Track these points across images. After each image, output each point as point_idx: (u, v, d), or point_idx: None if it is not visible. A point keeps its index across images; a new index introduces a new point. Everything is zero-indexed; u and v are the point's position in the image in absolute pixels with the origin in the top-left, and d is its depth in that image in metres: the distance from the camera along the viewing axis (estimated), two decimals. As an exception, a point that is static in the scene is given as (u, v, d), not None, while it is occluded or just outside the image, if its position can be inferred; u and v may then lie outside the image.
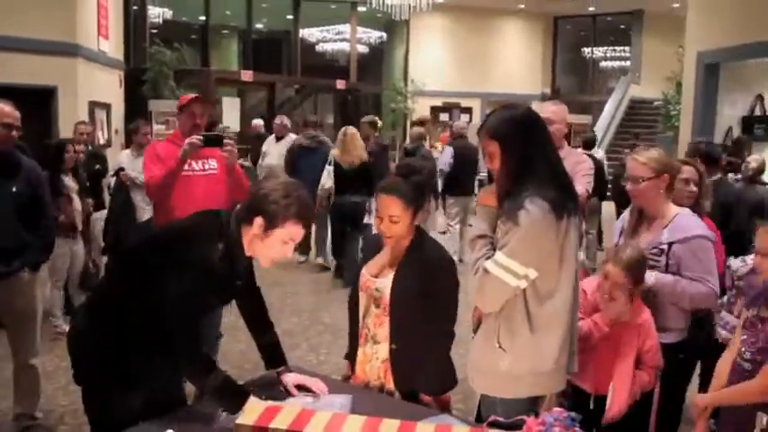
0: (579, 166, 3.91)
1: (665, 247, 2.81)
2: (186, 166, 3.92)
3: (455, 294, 2.61)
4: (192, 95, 4.19)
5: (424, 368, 2.54)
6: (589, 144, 9.41)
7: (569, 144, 4.31)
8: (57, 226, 5.43)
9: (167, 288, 2.23)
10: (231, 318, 4.16)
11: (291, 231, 2.30)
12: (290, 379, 2.54)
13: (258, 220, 2.27)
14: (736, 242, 3.62)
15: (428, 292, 2.53)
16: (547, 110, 3.97)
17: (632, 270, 2.64)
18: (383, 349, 2.61)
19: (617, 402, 2.63)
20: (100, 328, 2.41)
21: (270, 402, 2.19)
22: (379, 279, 2.62)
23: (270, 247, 2.32)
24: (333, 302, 6.51)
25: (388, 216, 2.54)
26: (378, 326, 2.63)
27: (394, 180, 2.67)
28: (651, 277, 2.79)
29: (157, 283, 2.25)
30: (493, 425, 2.11)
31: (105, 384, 2.41)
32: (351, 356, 2.79)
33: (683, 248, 2.79)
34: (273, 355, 2.66)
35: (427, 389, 2.56)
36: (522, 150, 2.22)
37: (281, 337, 2.72)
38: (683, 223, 2.84)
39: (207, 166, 4.03)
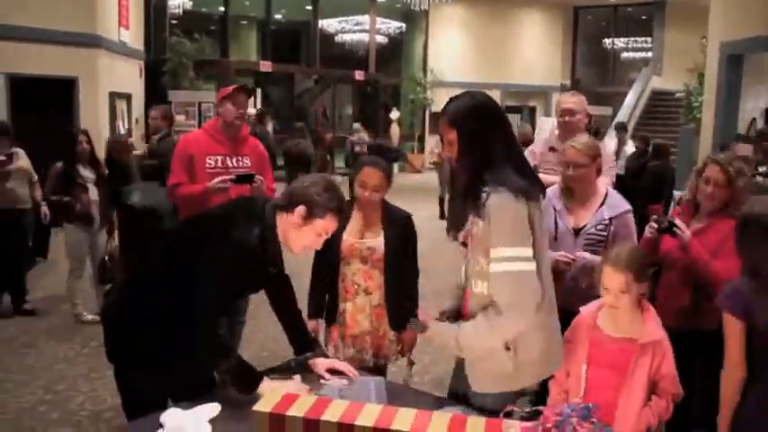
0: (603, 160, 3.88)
1: (608, 221, 3.11)
2: (214, 162, 3.87)
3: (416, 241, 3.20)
4: (235, 85, 4.05)
5: (408, 305, 2.72)
6: (596, 135, 9.31)
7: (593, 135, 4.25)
8: (72, 215, 5.51)
9: (202, 267, 2.30)
10: (250, 306, 4.21)
11: (328, 224, 2.40)
12: (321, 364, 2.60)
13: (300, 210, 2.35)
14: None
15: (407, 243, 3.13)
16: (567, 100, 3.98)
17: (634, 268, 2.40)
18: (375, 298, 3.07)
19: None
20: (135, 308, 2.46)
21: (283, 388, 2.21)
22: (367, 240, 3.05)
23: (305, 237, 2.41)
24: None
25: (372, 186, 2.97)
26: (368, 279, 3.07)
27: (376, 157, 3.08)
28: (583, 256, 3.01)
29: (193, 261, 2.31)
30: (508, 415, 2.11)
31: (137, 363, 2.46)
32: (322, 313, 3.18)
33: (619, 223, 3.11)
34: (303, 341, 2.71)
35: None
36: (480, 139, 2.17)
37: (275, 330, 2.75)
38: (617, 200, 3.18)
39: (241, 164, 3.96)
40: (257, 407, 1.98)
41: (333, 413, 1.95)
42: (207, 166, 3.87)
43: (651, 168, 8.50)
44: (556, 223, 3.17)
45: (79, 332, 5.45)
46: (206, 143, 3.92)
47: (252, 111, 11.66)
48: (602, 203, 3.15)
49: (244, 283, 2.53)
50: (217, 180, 3.75)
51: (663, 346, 2.42)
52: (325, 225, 2.39)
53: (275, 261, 2.55)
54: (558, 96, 17.70)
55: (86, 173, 5.60)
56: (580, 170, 3.12)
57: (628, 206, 3.17)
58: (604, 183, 3.36)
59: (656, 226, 3.04)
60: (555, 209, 3.19)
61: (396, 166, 18.60)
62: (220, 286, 2.33)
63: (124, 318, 2.50)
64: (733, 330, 2.30)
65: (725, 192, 2.96)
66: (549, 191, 3.03)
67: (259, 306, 2.77)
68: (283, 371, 2.60)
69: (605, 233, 3.08)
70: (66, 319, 5.74)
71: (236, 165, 3.94)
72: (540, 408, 1.86)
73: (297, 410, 1.95)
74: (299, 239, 2.41)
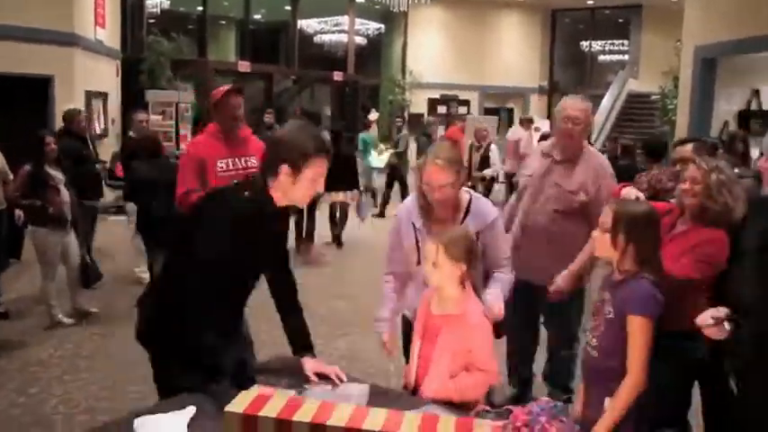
0: (600, 175, 3.69)
1: (474, 236, 2.73)
2: (224, 165, 3.85)
3: None
4: (226, 87, 4.01)
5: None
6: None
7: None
8: (45, 218, 5.44)
9: (205, 248, 2.30)
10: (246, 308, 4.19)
11: (316, 167, 2.37)
12: (311, 365, 2.59)
13: (284, 168, 2.34)
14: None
15: None
16: (574, 107, 3.67)
17: (445, 243, 2.48)
18: None
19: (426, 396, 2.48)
20: (163, 295, 2.51)
21: (259, 390, 2.22)
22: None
23: (302, 189, 2.40)
24: (331, 299, 6.54)
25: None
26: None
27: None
28: (496, 304, 2.74)
29: (198, 245, 2.33)
30: (480, 414, 2.13)
31: (166, 350, 2.48)
32: None
33: (486, 234, 2.88)
34: (300, 339, 2.69)
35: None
36: None
37: (277, 330, 2.76)
38: (482, 208, 2.93)
39: (249, 164, 3.93)
40: (229, 407, 1.99)
41: (305, 413, 1.96)
42: (219, 169, 3.86)
43: (619, 167, 8.63)
44: (417, 243, 2.89)
45: (53, 335, 5.39)
46: (214, 147, 3.90)
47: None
48: (466, 215, 2.90)
49: (246, 246, 2.41)
50: None
51: (469, 322, 2.48)
52: (314, 170, 2.37)
53: (275, 215, 2.51)
54: (536, 98, 17.88)
55: (56, 173, 5.55)
56: (446, 190, 2.80)
57: (494, 213, 2.96)
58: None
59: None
60: (415, 226, 2.93)
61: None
62: (217, 264, 2.30)
63: (153, 305, 2.55)
64: (648, 334, 2.34)
65: (699, 187, 2.82)
66: (406, 205, 2.97)
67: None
68: (271, 368, 2.61)
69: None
70: (40, 321, 5.68)
71: (244, 165, 3.93)
72: (510, 407, 1.89)
73: (269, 411, 1.96)
74: (297, 194, 2.42)
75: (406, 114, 15.44)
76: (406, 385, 2.63)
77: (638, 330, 2.32)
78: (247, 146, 4.03)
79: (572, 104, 3.69)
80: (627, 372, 2.33)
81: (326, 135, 7.89)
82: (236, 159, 3.92)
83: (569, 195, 3.63)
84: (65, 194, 5.54)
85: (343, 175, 8.19)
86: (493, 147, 11.12)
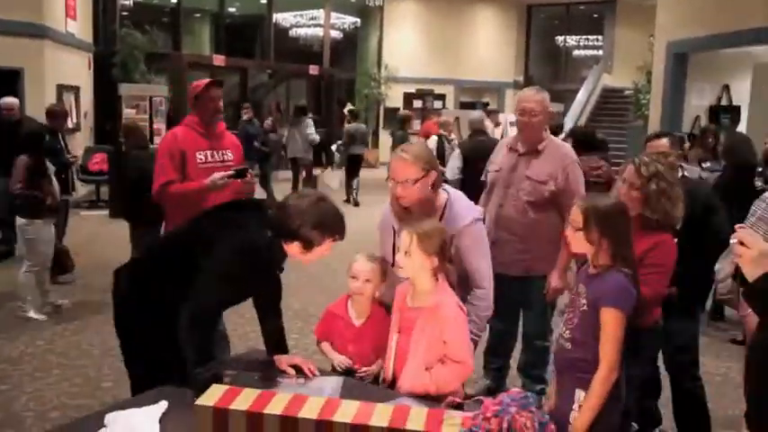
0: (567, 163, 3.75)
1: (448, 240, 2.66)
2: (203, 157, 3.83)
3: None
4: (206, 80, 4.00)
5: None
6: (555, 132, 9.42)
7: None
8: (43, 209, 5.42)
9: (211, 267, 2.36)
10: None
11: (328, 245, 2.48)
12: (285, 359, 2.65)
13: (296, 246, 2.43)
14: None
15: None
16: (528, 99, 3.71)
17: (420, 233, 2.49)
18: None
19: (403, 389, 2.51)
20: (141, 289, 2.54)
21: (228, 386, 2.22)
22: None
23: (311, 257, 2.50)
24: (301, 288, 6.52)
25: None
26: None
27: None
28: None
29: (203, 259, 2.38)
30: (451, 406, 2.15)
31: (143, 343, 2.53)
32: None
33: (462, 239, 2.74)
34: (278, 342, 2.75)
35: None
36: None
37: (250, 324, 2.77)
38: (458, 210, 2.80)
39: (225, 158, 3.93)
40: (200, 401, 1.98)
41: (276, 406, 1.96)
42: (198, 161, 3.82)
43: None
44: (394, 248, 2.77)
45: (24, 331, 5.32)
46: (192, 138, 3.86)
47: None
48: (442, 216, 2.78)
49: (249, 285, 2.57)
50: (219, 175, 3.66)
51: (442, 314, 2.49)
52: (326, 247, 2.48)
53: (280, 266, 2.62)
54: (511, 93, 17.89)
55: (49, 165, 5.58)
56: (408, 186, 2.66)
57: (472, 215, 2.82)
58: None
59: None
60: (394, 229, 2.84)
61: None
62: (224, 290, 2.39)
63: (129, 298, 2.59)
64: (621, 326, 2.36)
65: (637, 193, 2.84)
66: (386, 208, 2.93)
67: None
68: (242, 362, 2.66)
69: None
70: (11, 316, 5.60)
71: (222, 158, 3.92)
72: (480, 397, 1.90)
73: (240, 404, 1.96)
74: (305, 259, 2.50)
75: (346, 109, 15.72)
76: (384, 378, 2.64)
77: (611, 322, 2.35)
78: (223, 140, 4.02)
79: (527, 96, 3.74)
80: (599, 363, 2.36)
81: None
82: (215, 152, 3.91)
83: (539, 186, 3.70)
84: (56, 185, 5.59)
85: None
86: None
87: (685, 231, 3.03)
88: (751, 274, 1.72)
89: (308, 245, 2.42)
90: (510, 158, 3.84)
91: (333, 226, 2.46)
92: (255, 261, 2.40)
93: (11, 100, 7.56)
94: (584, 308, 2.43)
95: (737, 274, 1.80)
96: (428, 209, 2.74)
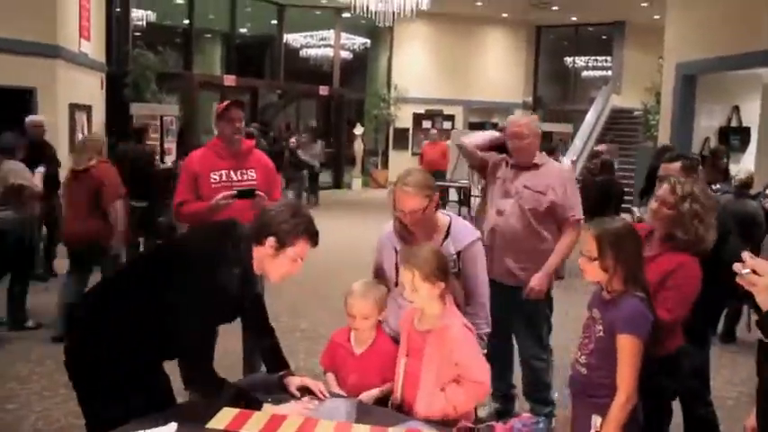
0: (565, 178, 3.88)
1: (455, 257, 2.82)
2: (218, 177, 3.92)
3: None
4: (228, 101, 4.15)
5: None
6: (550, 153, 9.40)
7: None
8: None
9: (185, 302, 2.31)
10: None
11: (301, 249, 2.44)
12: (295, 382, 2.61)
13: (270, 241, 2.39)
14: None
15: None
16: (516, 123, 3.86)
17: (428, 270, 2.48)
18: None
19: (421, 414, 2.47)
20: (102, 327, 2.43)
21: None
22: None
23: (280, 266, 2.45)
24: (309, 309, 6.51)
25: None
26: None
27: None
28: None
29: (171, 292, 2.33)
30: (462, 430, 2.13)
31: (104, 384, 2.42)
32: None
33: (466, 255, 2.84)
34: (275, 360, 2.73)
35: None
36: None
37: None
38: (462, 230, 2.89)
39: (246, 177, 4.01)
40: (211, 424, 1.98)
41: (287, 430, 1.95)
42: (212, 181, 3.93)
43: (597, 183, 8.73)
44: (397, 266, 2.82)
45: (34, 350, 5.33)
46: (209, 159, 3.99)
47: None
48: (447, 236, 2.86)
49: (221, 318, 2.55)
50: (219, 196, 3.75)
51: (451, 335, 2.46)
52: (297, 251, 2.43)
53: (251, 296, 2.60)
54: (520, 113, 18.02)
55: None
56: (416, 215, 2.76)
57: (473, 236, 2.92)
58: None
59: None
60: (396, 249, 2.89)
61: (359, 182, 18.73)
62: (205, 321, 2.37)
63: (89, 340, 2.46)
64: (638, 352, 2.33)
65: (669, 211, 2.79)
66: (388, 229, 2.95)
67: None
68: (253, 387, 2.60)
69: (454, 269, 2.79)
70: (21, 335, 5.62)
71: (240, 178, 3.99)
72: (492, 423, 1.89)
73: (251, 428, 1.95)
74: (275, 269, 2.46)
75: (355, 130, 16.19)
76: (392, 402, 2.63)
77: (628, 349, 2.32)
78: (248, 159, 4.10)
79: (514, 121, 3.91)
80: (616, 388, 2.33)
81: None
82: (232, 172, 3.99)
83: (538, 195, 3.77)
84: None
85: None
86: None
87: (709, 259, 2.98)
88: (766, 302, 1.69)
89: (280, 241, 2.39)
90: (508, 171, 3.92)
91: (305, 225, 2.44)
92: (225, 300, 2.38)
93: (38, 117, 7.74)
94: (601, 334, 2.41)
95: (751, 303, 1.77)
96: (430, 229, 2.84)
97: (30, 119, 7.51)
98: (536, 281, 3.75)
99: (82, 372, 2.47)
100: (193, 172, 3.95)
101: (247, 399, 2.34)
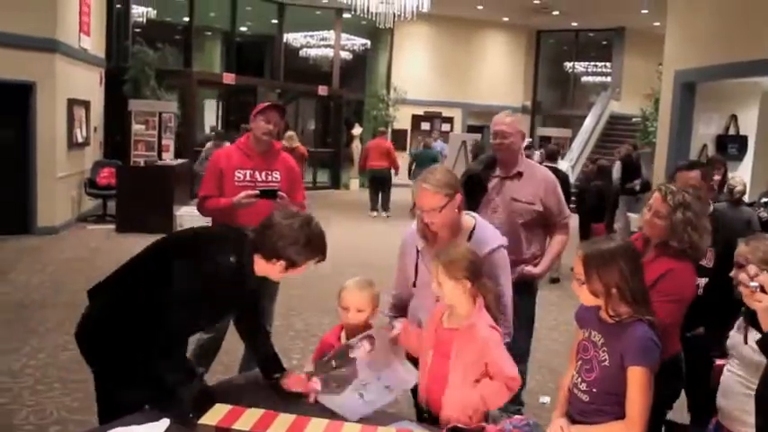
0: (549, 182, 3.87)
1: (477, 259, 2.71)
2: (242, 176, 4.01)
3: None
4: (269, 102, 4.24)
5: None
6: (552, 156, 9.41)
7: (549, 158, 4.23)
8: None
9: (175, 287, 2.33)
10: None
11: (308, 265, 2.49)
12: (292, 382, 2.56)
13: (280, 264, 2.43)
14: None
15: None
16: (502, 122, 3.85)
17: (453, 268, 2.46)
18: None
19: (449, 412, 2.42)
20: (115, 314, 2.46)
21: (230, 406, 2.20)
22: None
23: (284, 274, 2.50)
24: (305, 309, 6.51)
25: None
26: None
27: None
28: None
29: (167, 279, 2.35)
30: (450, 430, 2.13)
31: (114, 370, 2.44)
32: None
33: (488, 262, 2.72)
34: (272, 363, 2.70)
35: None
36: None
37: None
38: (485, 235, 2.82)
39: (270, 178, 4.07)
40: (203, 420, 1.98)
41: (278, 427, 1.95)
42: (236, 179, 4.01)
43: (593, 188, 8.74)
44: (417, 266, 2.83)
45: (27, 343, 5.33)
46: (236, 157, 4.08)
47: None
48: (468, 239, 2.79)
49: (219, 307, 2.55)
50: (242, 194, 3.85)
51: (477, 335, 2.42)
52: (305, 267, 2.49)
53: (250, 292, 2.61)
54: (519, 117, 17.88)
55: None
56: (441, 214, 2.68)
57: (497, 242, 2.82)
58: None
59: None
60: (417, 249, 2.85)
61: (356, 183, 18.72)
62: (192, 309, 2.35)
63: (101, 325, 2.51)
64: (650, 383, 2.22)
65: (662, 222, 2.77)
66: (410, 228, 2.91)
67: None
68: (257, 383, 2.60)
69: None
70: (13, 329, 5.61)
71: (264, 179, 4.06)
72: (483, 424, 1.89)
73: (243, 424, 1.96)
74: (279, 276, 2.51)
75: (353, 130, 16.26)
76: (418, 398, 2.61)
77: (641, 381, 2.19)
78: (275, 160, 4.16)
79: (498, 120, 3.89)
80: (623, 414, 2.23)
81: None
82: (257, 172, 4.06)
83: (526, 206, 3.78)
84: None
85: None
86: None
87: (716, 270, 2.96)
88: None
89: (291, 265, 2.44)
90: (494, 183, 3.89)
91: (318, 248, 2.48)
92: (214, 288, 2.37)
93: None
94: (606, 363, 2.28)
95: (749, 318, 1.74)
96: (455, 230, 2.77)
97: None
98: (533, 269, 3.77)
99: (98, 354, 2.51)
100: (219, 168, 4.04)
101: (207, 396, 2.32)
